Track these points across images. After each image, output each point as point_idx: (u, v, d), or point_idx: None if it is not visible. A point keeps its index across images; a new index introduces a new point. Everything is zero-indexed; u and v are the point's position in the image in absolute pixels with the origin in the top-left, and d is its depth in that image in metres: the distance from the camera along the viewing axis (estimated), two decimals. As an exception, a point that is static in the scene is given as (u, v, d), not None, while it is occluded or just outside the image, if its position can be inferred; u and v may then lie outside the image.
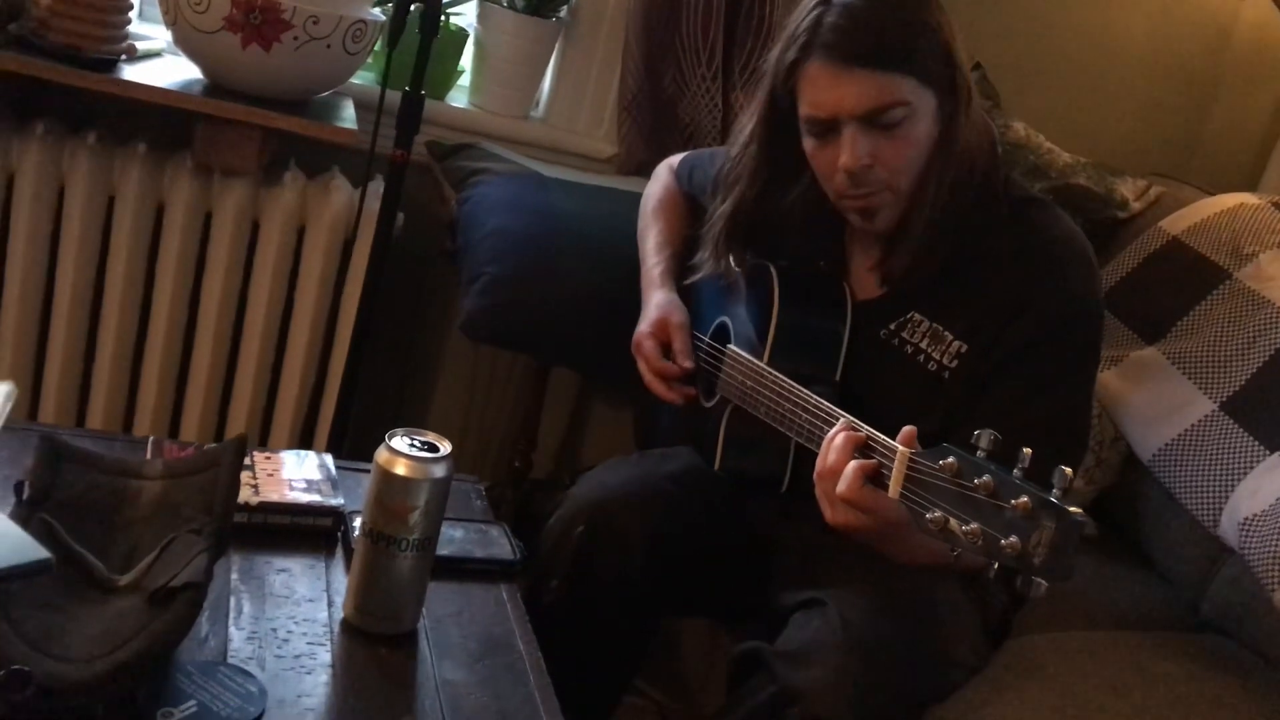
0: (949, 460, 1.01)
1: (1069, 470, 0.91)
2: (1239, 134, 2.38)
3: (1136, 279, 1.96)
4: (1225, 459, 1.66)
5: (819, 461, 1.18)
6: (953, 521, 0.99)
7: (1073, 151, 2.13)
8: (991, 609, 1.41)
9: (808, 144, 1.35)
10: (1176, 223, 1.98)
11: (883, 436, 1.13)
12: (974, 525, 0.97)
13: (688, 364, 1.49)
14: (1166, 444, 1.75)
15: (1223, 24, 2.31)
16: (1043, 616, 1.51)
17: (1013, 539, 0.93)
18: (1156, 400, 1.80)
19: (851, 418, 1.19)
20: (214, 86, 1.77)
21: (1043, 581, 0.92)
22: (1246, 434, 1.66)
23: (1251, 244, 1.85)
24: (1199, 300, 1.85)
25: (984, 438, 0.99)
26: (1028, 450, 0.95)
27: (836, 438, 1.17)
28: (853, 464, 1.14)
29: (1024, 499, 0.93)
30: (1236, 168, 2.37)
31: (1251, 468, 1.62)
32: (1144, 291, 1.93)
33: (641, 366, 1.52)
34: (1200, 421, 1.72)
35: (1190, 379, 1.77)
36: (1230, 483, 1.63)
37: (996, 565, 0.96)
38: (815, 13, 1.29)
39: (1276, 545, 1.49)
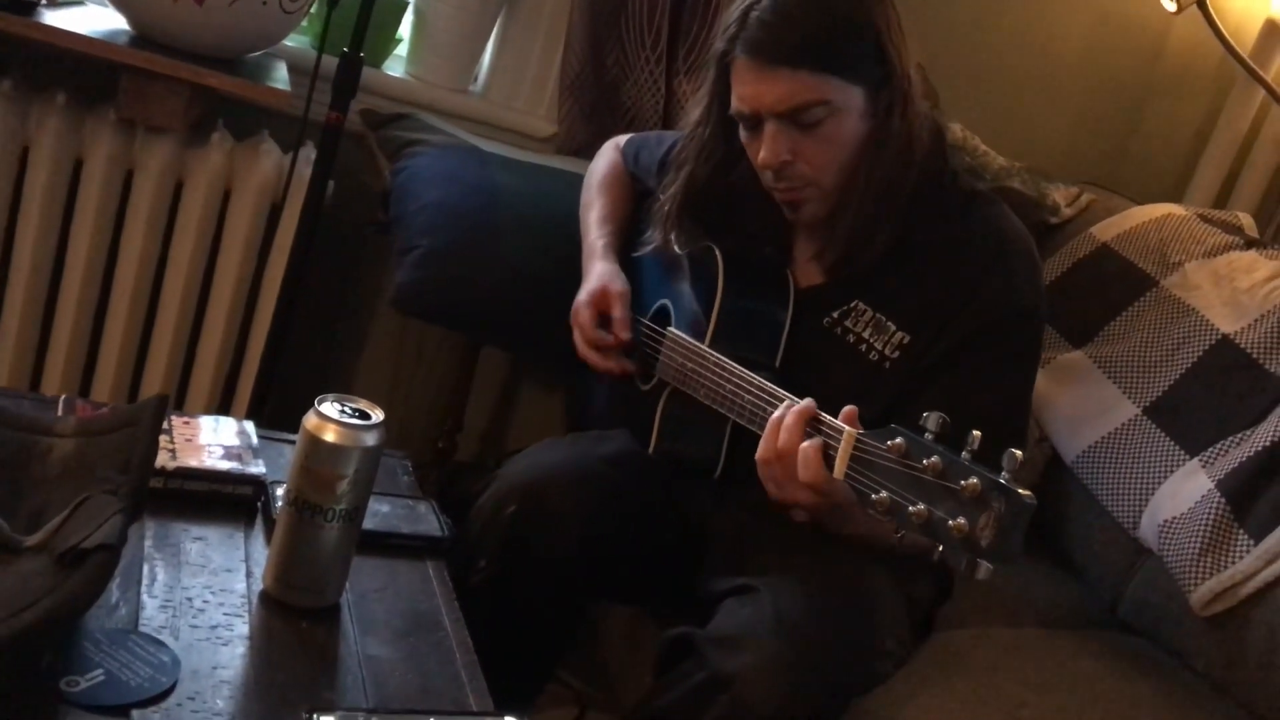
0: (897, 441, 1.00)
1: (1018, 453, 0.90)
2: (1167, 146, 2.43)
3: (1066, 283, 1.98)
4: (1147, 462, 1.69)
5: (767, 443, 1.17)
6: (899, 502, 0.98)
7: (1007, 155, 2.15)
8: (918, 602, 1.41)
9: (741, 133, 1.35)
10: (1106, 230, 2.01)
11: (829, 417, 1.11)
12: (921, 506, 0.96)
13: (625, 335, 1.46)
14: (1090, 446, 1.77)
15: (1155, 39, 2.36)
16: (965, 612, 1.52)
17: (960, 520, 0.92)
18: (1082, 403, 1.82)
19: (796, 399, 1.17)
20: (140, 38, 1.70)
21: (988, 564, 0.91)
22: (1168, 438, 1.68)
23: (1178, 253, 1.88)
24: (1126, 306, 1.88)
25: (932, 420, 0.98)
26: (977, 433, 0.94)
27: (786, 417, 1.15)
28: (810, 446, 1.12)
29: (973, 480, 0.92)
30: (1164, 179, 2.42)
31: (1172, 471, 1.65)
32: (1073, 296, 1.96)
33: (577, 336, 1.49)
34: (1124, 425, 1.75)
35: (1115, 383, 1.80)
36: (1151, 486, 1.66)
37: (941, 548, 0.95)
38: (748, 3, 1.29)
39: (1194, 547, 1.52)
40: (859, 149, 1.30)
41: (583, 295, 1.50)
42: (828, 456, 1.11)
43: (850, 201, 1.31)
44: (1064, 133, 2.39)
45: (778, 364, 1.36)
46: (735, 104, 1.31)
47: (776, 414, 1.17)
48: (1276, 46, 2.22)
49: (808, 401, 1.16)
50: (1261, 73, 2.17)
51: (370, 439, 1.02)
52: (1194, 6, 2.06)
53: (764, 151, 1.30)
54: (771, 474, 1.17)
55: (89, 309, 1.85)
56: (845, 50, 1.26)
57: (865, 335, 1.35)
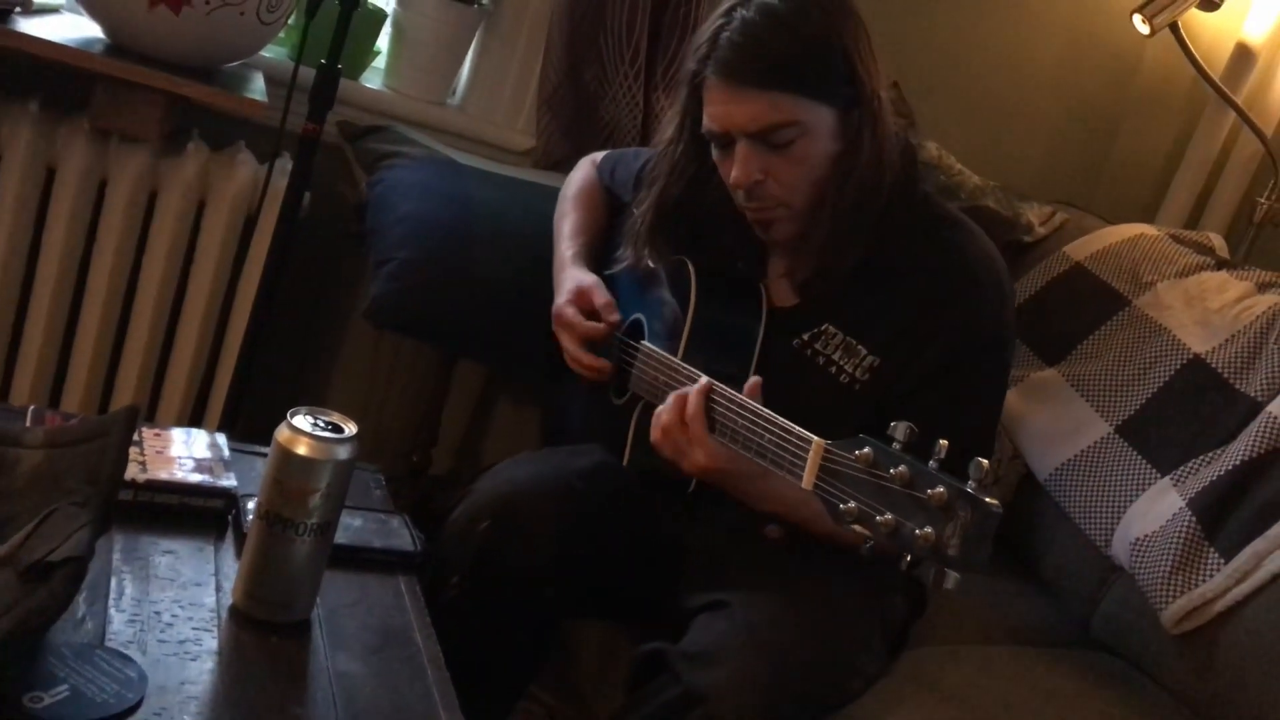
0: (865, 451, 1.00)
1: (985, 462, 0.90)
2: (1139, 167, 2.45)
3: (1039, 302, 2.00)
4: (1119, 481, 1.69)
5: (670, 414, 1.24)
6: (867, 512, 0.98)
7: (982, 175, 2.16)
8: (891, 618, 1.41)
9: (713, 152, 1.35)
10: (1080, 249, 2.03)
11: (798, 428, 1.12)
12: (888, 516, 0.95)
13: (614, 317, 1.46)
14: (1063, 464, 1.78)
15: (1128, 61, 2.39)
16: (939, 628, 1.52)
17: (927, 529, 0.92)
18: (1054, 421, 1.83)
19: (765, 410, 1.17)
20: (116, 46, 1.69)
21: (955, 574, 0.91)
22: (1140, 457, 1.69)
23: (1150, 273, 1.90)
24: (1099, 325, 1.89)
25: (900, 429, 0.98)
26: (943, 442, 0.94)
27: (690, 392, 1.24)
28: (694, 408, 1.22)
29: (940, 489, 0.92)
30: (1136, 199, 2.44)
31: (1144, 490, 1.66)
32: (1046, 314, 1.97)
33: (564, 339, 1.48)
34: (1096, 443, 1.76)
35: (1088, 401, 1.81)
36: (1123, 504, 1.67)
37: (909, 557, 0.95)
38: (718, 24, 1.29)
39: (1165, 566, 1.53)
40: (829, 169, 1.31)
41: (561, 297, 1.50)
42: (714, 421, 1.21)
43: (821, 221, 1.32)
44: (1038, 152, 2.41)
45: (749, 377, 1.36)
46: (706, 123, 1.32)
47: (680, 390, 1.25)
48: (1247, 69, 2.24)
49: (706, 379, 1.24)
50: (1233, 95, 2.20)
51: (343, 452, 1.01)
52: (1166, 29, 2.09)
53: (735, 171, 1.30)
54: (671, 442, 1.24)
55: (60, 318, 1.83)
56: (816, 71, 1.27)
57: (835, 358, 1.36)
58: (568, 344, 1.48)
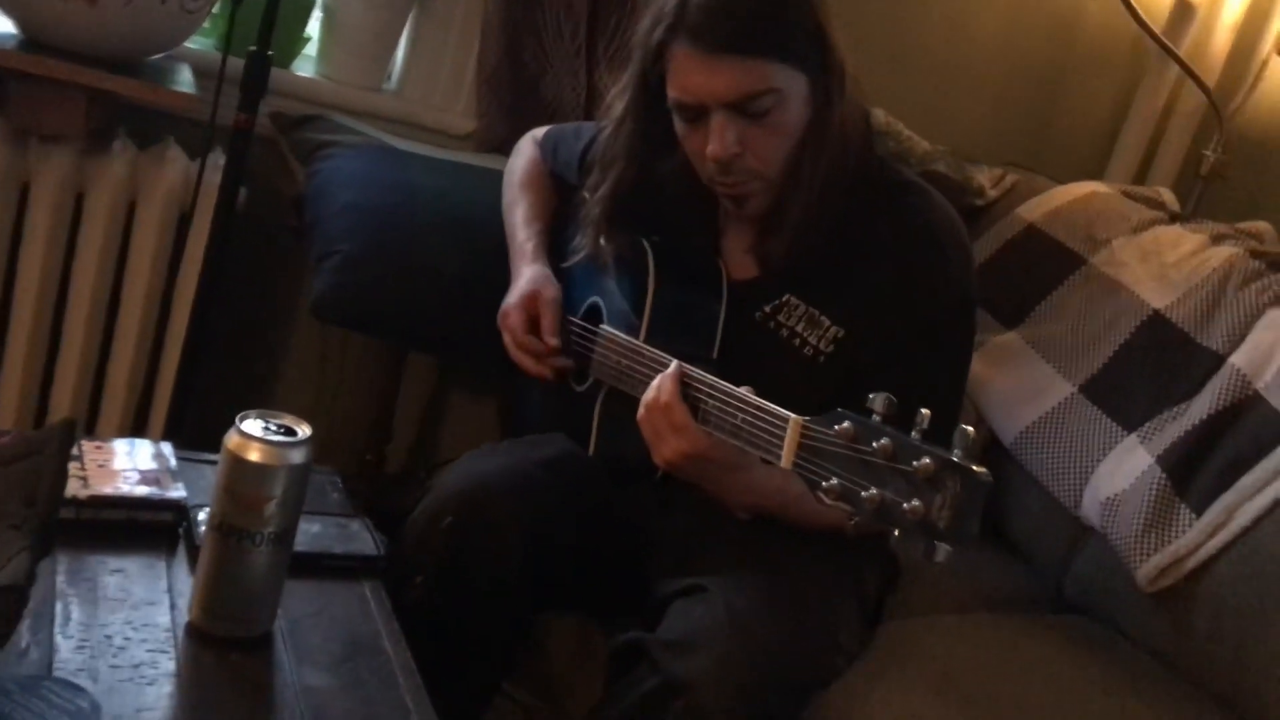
0: (844, 425, 0.97)
1: (970, 430, 0.88)
2: (1085, 125, 2.45)
3: (995, 265, 1.98)
4: (1085, 441, 1.69)
5: (646, 397, 1.20)
6: (850, 488, 0.95)
7: (930, 140, 2.14)
8: (867, 594, 1.39)
9: (678, 126, 1.31)
10: (1032, 210, 2.01)
11: (771, 405, 1.08)
12: (873, 491, 0.92)
13: (553, 342, 1.42)
14: (1028, 427, 1.77)
15: (1069, 19, 2.38)
16: (913, 601, 1.50)
17: (915, 503, 0.89)
18: (1017, 384, 1.82)
19: (735, 387, 1.14)
20: (31, 41, 1.61)
21: (946, 546, 0.88)
22: (1105, 416, 1.69)
23: (1104, 231, 1.89)
24: (1056, 285, 1.88)
25: (879, 401, 0.95)
26: (926, 411, 0.91)
27: (665, 378, 1.19)
28: (671, 394, 1.17)
29: (926, 460, 0.89)
30: (1084, 157, 2.44)
31: (1111, 449, 1.65)
32: (1003, 277, 1.95)
33: (507, 339, 1.45)
34: (1060, 404, 1.75)
35: (1050, 363, 1.80)
36: (1090, 464, 1.66)
37: (896, 532, 0.92)
38: None
39: (1138, 524, 1.52)
40: (802, 139, 1.27)
41: (512, 298, 1.46)
42: (697, 410, 1.17)
43: (796, 193, 1.29)
44: (985, 115, 2.40)
45: (715, 355, 1.33)
46: (676, 95, 1.27)
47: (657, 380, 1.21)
48: (1188, 22, 2.25)
49: (676, 364, 1.21)
50: (1175, 48, 2.19)
51: (298, 456, 0.97)
52: (1108, -15, 2.08)
53: (712, 144, 1.25)
54: (650, 425, 1.20)
55: (-12, 331, 1.75)
56: (790, 36, 1.23)
57: (799, 329, 1.33)
58: (508, 343, 1.44)
